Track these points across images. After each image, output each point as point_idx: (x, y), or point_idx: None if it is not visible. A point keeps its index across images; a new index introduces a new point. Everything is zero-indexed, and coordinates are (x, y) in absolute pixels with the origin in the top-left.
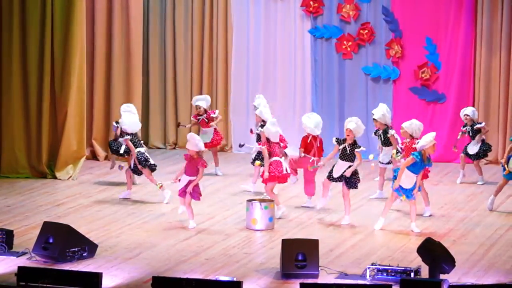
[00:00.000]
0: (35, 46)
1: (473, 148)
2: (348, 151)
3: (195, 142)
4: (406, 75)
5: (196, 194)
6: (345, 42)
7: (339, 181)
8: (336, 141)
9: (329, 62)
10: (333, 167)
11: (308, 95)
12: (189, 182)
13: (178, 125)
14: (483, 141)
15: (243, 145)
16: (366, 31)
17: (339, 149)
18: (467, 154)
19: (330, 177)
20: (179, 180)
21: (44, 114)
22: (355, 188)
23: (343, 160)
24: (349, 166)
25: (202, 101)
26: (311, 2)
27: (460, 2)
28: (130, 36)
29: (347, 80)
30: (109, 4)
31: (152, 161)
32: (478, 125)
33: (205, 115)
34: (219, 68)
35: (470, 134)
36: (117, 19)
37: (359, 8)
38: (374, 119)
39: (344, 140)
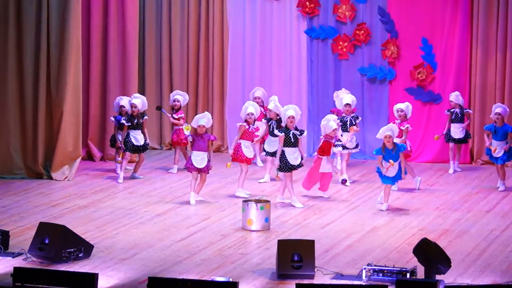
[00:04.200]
0: (30, 46)
1: (457, 133)
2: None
3: (209, 117)
4: (402, 75)
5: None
6: (341, 43)
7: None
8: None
9: (325, 62)
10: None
11: (304, 95)
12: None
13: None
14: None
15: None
16: (362, 31)
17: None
18: (453, 139)
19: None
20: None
21: (40, 115)
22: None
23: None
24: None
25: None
26: (307, 3)
27: (456, 2)
28: (126, 37)
29: (343, 80)
30: (105, 4)
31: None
32: (468, 111)
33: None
34: (215, 69)
35: (459, 116)
36: (113, 19)
37: (355, 8)
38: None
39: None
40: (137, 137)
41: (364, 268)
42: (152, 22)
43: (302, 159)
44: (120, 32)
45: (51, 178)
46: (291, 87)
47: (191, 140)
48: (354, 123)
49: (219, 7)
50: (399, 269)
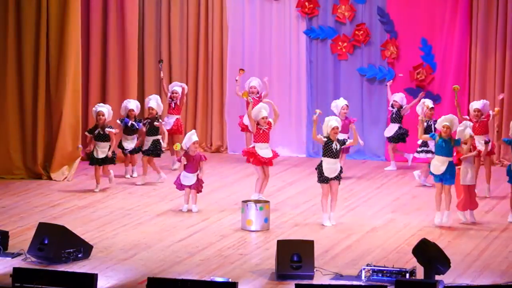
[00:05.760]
0: (30, 47)
1: (389, 131)
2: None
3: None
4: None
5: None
6: (340, 43)
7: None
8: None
9: (325, 63)
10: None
11: (303, 96)
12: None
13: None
14: (400, 127)
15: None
16: (362, 32)
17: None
18: (388, 138)
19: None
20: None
21: (39, 115)
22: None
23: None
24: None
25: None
26: (307, 3)
27: (456, 3)
28: (126, 37)
29: (342, 81)
30: (105, 5)
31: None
32: (404, 111)
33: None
34: (214, 69)
35: (394, 116)
36: (113, 20)
37: (354, 9)
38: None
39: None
40: (98, 150)
41: (364, 269)
42: (151, 23)
43: (341, 170)
44: (120, 33)
45: (50, 178)
46: (291, 87)
47: (185, 162)
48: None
49: (218, 8)
50: (398, 269)
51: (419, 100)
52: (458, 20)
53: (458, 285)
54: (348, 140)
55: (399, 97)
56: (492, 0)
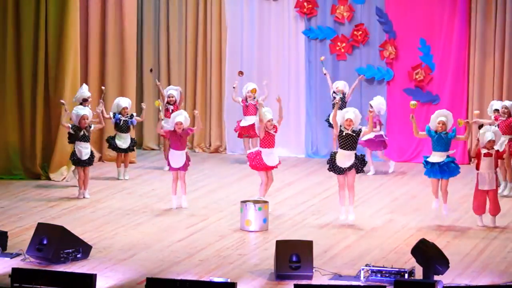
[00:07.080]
0: (29, 47)
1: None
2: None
3: (186, 115)
4: (400, 76)
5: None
6: (339, 44)
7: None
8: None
9: (323, 63)
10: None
11: (302, 96)
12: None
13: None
14: None
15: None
16: (360, 32)
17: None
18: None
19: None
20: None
21: (38, 116)
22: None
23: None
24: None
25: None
26: (305, 3)
27: (454, 3)
28: (124, 37)
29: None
30: (103, 4)
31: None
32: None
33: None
34: (213, 70)
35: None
36: (111, 19)
37: (353, 9)
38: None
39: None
40: (81, 151)
41: (362, 269)
42: (150, 24)
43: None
44: (118, 33)
45: (49, 179)
46: (289, 87)
47: (162, 133)
48: None
49: (217, 8)
50: (397, 269)
51: (358, 83)
52: (456, 20)
53: (457, 285)
54: (363, 128)
55: (342, 84)
56: (490, 0)
